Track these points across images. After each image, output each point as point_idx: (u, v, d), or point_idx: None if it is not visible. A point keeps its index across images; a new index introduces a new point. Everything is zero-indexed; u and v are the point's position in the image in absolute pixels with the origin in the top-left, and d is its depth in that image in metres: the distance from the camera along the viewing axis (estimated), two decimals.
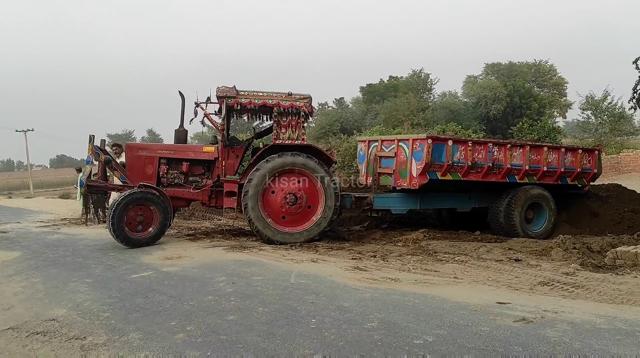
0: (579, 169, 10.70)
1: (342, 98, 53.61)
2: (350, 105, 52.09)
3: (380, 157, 10.37)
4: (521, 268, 6.69)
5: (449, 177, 9.63)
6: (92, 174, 9.88)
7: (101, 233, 10.53)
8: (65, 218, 14.47)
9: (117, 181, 9.90)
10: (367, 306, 5.00)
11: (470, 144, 9.68)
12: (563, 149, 10.67)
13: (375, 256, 7.71)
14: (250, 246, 8.71)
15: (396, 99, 40.59)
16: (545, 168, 10.31)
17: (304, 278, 6.33)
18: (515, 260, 7.27)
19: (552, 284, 5.83)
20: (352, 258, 7.59)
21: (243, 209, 8.98)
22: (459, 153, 9.58)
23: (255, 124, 11.89)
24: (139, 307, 5.23)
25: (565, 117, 53.27)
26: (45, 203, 22.41)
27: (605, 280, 5.93)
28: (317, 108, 48.66)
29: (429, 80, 45.31)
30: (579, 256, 7.08)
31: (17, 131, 47.99)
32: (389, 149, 10.27)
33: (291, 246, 8.73)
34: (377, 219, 11.32)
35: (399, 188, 10.31)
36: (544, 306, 4.86)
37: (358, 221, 11.90)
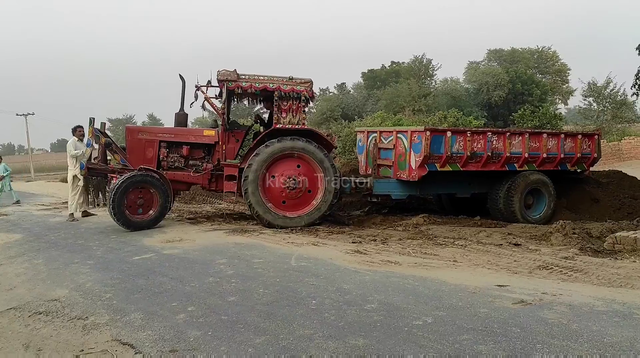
0: (578, 155, 10.69)
1: (344, 83, 53.31)
2: (352, 91, 51.84)
3: (380, 148, 10.37)
4: (520, 253, 6.72)
5: (448, 168, 9.65)
6: (92, 157, 9.89)
7: (101, 216, 10.57)
8: (65, 201, 14.49)
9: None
10: (366, 288, 5.04)
11: (469, 135, 9.66)
12: (562, 135, 10.65)
13: (375, 240, 7.74)
14: (251, 229, 8.75)
15: (398, 85, 40.40)
16: (544, 155, 10.30)
17: (305, 260, 6.37)
18: (514, 244, 7.29)
19: (551, 268, 5.87)
20: (353, 242, 7.62)
21: (243, 194, 8.99)
22: (457, 143, 9.57)
23: (256, 109, 11.86)
24: (140, 288, 5.28)
25: (567, 104, 53.16)
26: (46, 186, 22.43)
27: (603, 264, 5.96)
28: (318, 93, 48.61)
29: (431, 66, 45.01)
30: (579, 241, 7.11)
31: (17, 114, 47.99)
32: (387, 141, 10.28)
33: (292, 230, 8.76)
34: (378, 204, 11.34)
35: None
36: (543, 289, 4.89)
37: (358, 206, 11.92)
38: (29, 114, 48.12)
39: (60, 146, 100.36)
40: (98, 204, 12.57)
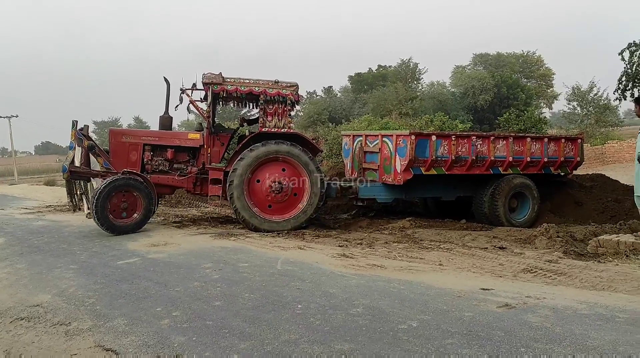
0: (562, 158, 10.80)
1: (331, 87, 53.52)
2: (339, 94, 51.99)
3: (365, 152, 10.40)
4: (505, 256, 6.77)
5: (433, 172, 9.69)
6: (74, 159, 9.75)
7: (84, 219, 10.44)
8: (50, 205, 14.33)
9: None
10: (352, 293, 5.04)
11: (453, 139, 9.72)
12: (546, 139, 10.76)
13: (361, 244, 7.74)
14: (237, 233, 8.71)
15: (384, 89, 40.59)
16: (528, 159, 10.39)
17: (291, 264, 6.36)
18: (499, 248, 7.34)
19: (535, 271, 5.91)
20: (339, 246, 7.62)
21: (229, 199, 8.95)
22: (442, 147, 9.62)
23: (242, 112, 11.85)
24: (124, 293, 5.23)
25: (551, 109, 53.92)
26: (30, 189, 22.13)
27: (587, 268, 6.02)
28: (305, 97, 48.63)
29: (418, 70, 45.32)
30: (563, 245, 7.18)
31: (1, 117, 47.35)
32: (373, 145, 10.32)
33: (278, 233, 8.74)
34: (364, 208, 11.36)
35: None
36: (527, 293, 4.93)
37: (345, 209, 11.93)
38: (13, 116, 47.57)
39: (44, 148, 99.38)
40: (80, 208, 12.40)
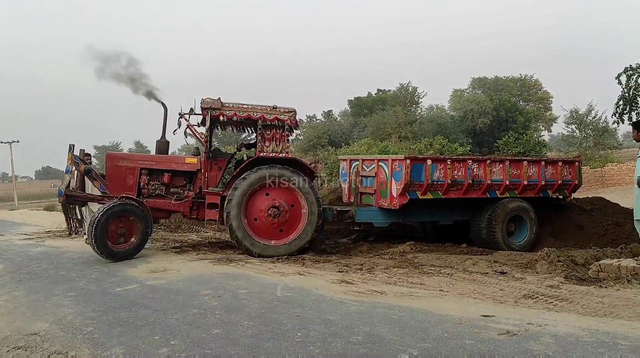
0: (560, 181, 10.81)
1: (331, 111, 53.86)
2: (339, 118, 52.31)
3: (362, 176, 10.43)
4: (506, 281, 6.72)
5: (429, 196, 9.69)
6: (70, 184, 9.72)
7: (83, 245, 10.41)
8: (49, 231, 14.31)
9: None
10: (352, 320, 5.00)
11: (449, 162, 9.75)
12: (543, 163, 10.79)
13: (361, 269, 7.70)
14: (236, 259, 8.67)
15: (384, 112, 40.88)
16: (525, 182, 10.40)
17: (290, 291, 6.31)
18: (500, 272, 7.30)
19: (537, 297, 5.87)
20: (339, 271, 7.58)
21: (228, 230, 8.92)
22: (438, 171, 9.64)
23: (242, 137, 11.92)
24: (122, 321, 5.18)
25: (550, 131, 54.15)
26: (30, 215, 22.12)
27: (588, 293, 5.98)
28: (305, 121, 48.88)
29: (417, 93, 45.71)
30: (564, 269, 7.14)
31: (1, 142, 47.55)
32: (369, 169, 10.36)
33: (277, 258, 8.70)
34: (364, 232, 11.34)
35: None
36: (528, 319, 4.88)
37: (345, 234, 11.90)
38: (14, 141, 47.76)
39: (45, 173, 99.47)
40: (78, 233, 12.34)
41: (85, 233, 10.78)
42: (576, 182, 11.17)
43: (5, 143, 47.24)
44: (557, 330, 4.55)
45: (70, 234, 10.99)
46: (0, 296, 6.51)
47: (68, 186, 9.11)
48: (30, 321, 5.36)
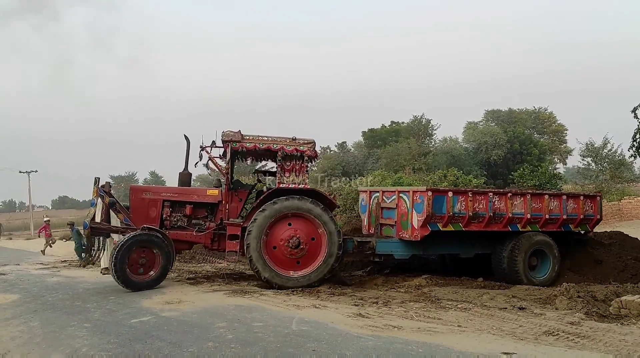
0: (581, 216, 10.68)
1: (344, 142, 54.01)
2: (352, 149, 52.47)
3: (382, 208, 10.39)
4: (525, 317, 6.60)
5: (450, 228, 9.65)
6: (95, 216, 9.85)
7: (99, 275, 10.46)
8: (65, 260, 14.38)
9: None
10: (369, 355, 4.93)
11: (470, 195, 9.72)
12: (564, 196, 10.69)
13: (377, 303, 7.62)
14: (251, 290, 8.63)
15: (397, 144, 40.98)
16: (547, 216, 10.30)
17: (306, 324, 6.25)
18: (519, 308, 7.18)
19: (558, 334, 5.75)
20: (354, 305, 7.50)
21: (245, 249, 8.95)
22: (459, 203, 9.61)
23: (258, 166, 12.01)
24: (137, 354, 5.16)
25: (565, 164, 53.62)
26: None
27: (610, 330, 5.85)
28: (319, 152, 49.12)
29: (430, 125, 45.82)
30: (584, 305, 7.00)
31: (20, 171, 48.36)
32: (390, 201, 10.34)
33: (293, 291, 8.65)
34: (379, 264, 11.24)
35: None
36: None
37: (360, 266, 11.81)
38: (32, 171, 48.51)
39: (62, 202, 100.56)
40: (93, 263, 12.41)
41: (103, 264, 10.86)
42: (598, 217, 11.04)
43: (24, 172, 48.04)
44: None
45: (83, 266, 11.06)
46: (16, 327, 6.53)
47: (93, 218, 9.22)
48: (45, 353, 5.36)
